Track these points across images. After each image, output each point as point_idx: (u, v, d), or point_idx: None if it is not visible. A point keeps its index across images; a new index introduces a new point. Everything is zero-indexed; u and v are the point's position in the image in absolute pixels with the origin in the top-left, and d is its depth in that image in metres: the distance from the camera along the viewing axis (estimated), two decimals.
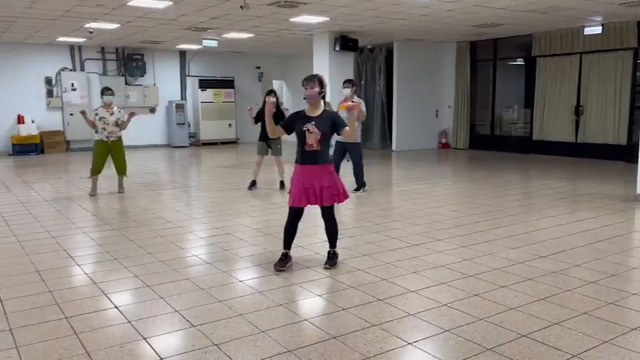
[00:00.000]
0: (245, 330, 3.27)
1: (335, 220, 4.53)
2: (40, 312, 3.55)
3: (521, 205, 7.29)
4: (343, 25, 11.37)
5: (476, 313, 3.50)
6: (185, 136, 16.24)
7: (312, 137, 4.21)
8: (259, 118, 8.13)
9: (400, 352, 3.01)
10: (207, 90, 16.43)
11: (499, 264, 4.54)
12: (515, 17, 10.18)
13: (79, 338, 3.15)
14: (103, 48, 15.03)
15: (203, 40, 13.31)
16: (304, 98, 4.33)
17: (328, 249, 4.60)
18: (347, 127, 4.32)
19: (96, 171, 8.02)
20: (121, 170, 8.19)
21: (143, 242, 5.32)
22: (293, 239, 4.51)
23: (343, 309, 3.59)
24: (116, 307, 3.67)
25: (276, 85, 18.88)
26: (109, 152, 7.99)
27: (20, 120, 13.85)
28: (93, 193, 7.99)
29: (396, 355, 2.99)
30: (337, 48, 12.45)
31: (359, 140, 8.18)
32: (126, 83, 15.44)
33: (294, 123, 4.34)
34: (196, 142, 16.62)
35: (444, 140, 15.14)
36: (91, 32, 11.59)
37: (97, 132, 7.95)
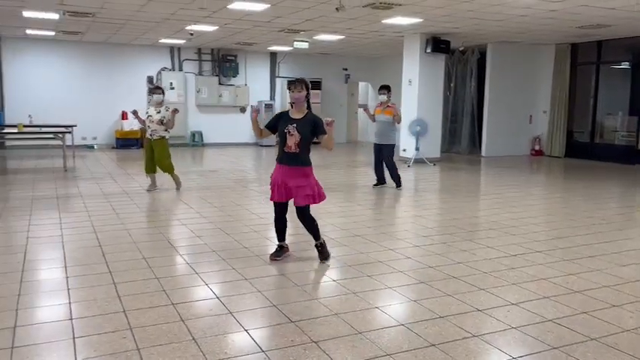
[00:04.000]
0: (342, 330, 3.29)
1: (310, 217, 4.60)
2: (149, 297, 3.77)
3: (628, 220, 6.79)
4: (436, 27, 11.15)
5: (586, 331, 3.29)
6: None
7: (292, 140, 4.36)
8: None
9: None
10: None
11: (608, 281, 4.24)
12: (624, 18, 9.49)
13: (185, 325, 3.31)
14: (199, 49, 15.78)
15: (294, 42, 13.58)
16: (293, 102, 4.43)
17: (314, 244, 4.64)
18: (325, 135, 4.40)
19: (148, 170, 8.05)
20: (164, 168, 8.05)
21: (239, 236, 5.51)
22: (284, 232, 4.73)
23: (440, 316, 3.51)
24: (217, 297, 3.82)
25: (361, 87, 18.90)
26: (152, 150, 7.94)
27: (124, 116, 14.85)
28: (151, 189, 8.11)
29: None
30: (428, 50, 12.26)
31: (392, 142, 8.59)
32: (219, 83, 16.11)
33: (278, 123, 4.48)
34: None
35: (537, 147, 14.42)
36: (191, 34, 12.20)
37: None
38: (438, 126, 13.04)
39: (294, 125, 4.37)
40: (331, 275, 4.39)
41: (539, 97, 14.38)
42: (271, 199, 4.59)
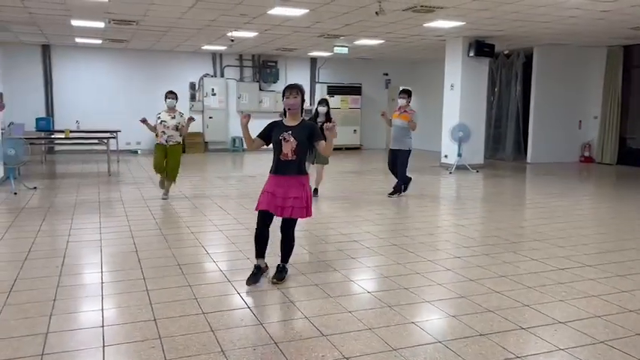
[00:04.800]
0: (375, 346, 3.14)
1: (294, 235, 4.35)
2: (180, 305, 3.73)
3: None
4: (480, 30, 10.85)
5: None
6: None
7: (288, 146, 4.14)
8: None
9: None
10: (335, 96, 16.68)
11: None
12: None
13: (215, 335, 3.24)
14: (241, 55, 15.93)
15: (334, 47, 13.51)
16: (288, 109, 4.22)
17: (279, 262, 4.35)
18: (322, 141, 4.20)
19: (159, 170, 7.88)
20: (172, 177, 7.94)
21: (274, 244, 5.39)
22: (265, 248, 4.32)
23: (481, 334, 3.31)
24: (249, 307, 3.75)
25: None
26: (166, 156, 7.77)
27: None
28: (165, 196, 7.99)
29: None
30: (471, 54, 11.96)
31: (407, 148, 8.27)
32: (260, 89, 16.21)
33: (271, 132, 4.25)
34: None
35: (587, 154, 13.83)
36: (232, 40, 12.31)
37: (157, 136, 7.83)
38: (481, 131, 12.68)
39: (290, 132, 4.17)
40: (366, 287, 4.24)
41: (589, 102, 13.78)
42: (257, 209, 4.25)
